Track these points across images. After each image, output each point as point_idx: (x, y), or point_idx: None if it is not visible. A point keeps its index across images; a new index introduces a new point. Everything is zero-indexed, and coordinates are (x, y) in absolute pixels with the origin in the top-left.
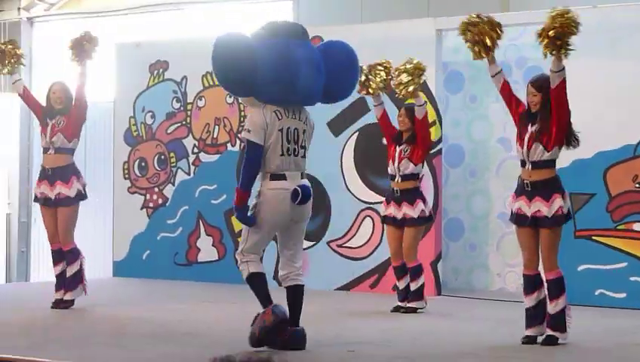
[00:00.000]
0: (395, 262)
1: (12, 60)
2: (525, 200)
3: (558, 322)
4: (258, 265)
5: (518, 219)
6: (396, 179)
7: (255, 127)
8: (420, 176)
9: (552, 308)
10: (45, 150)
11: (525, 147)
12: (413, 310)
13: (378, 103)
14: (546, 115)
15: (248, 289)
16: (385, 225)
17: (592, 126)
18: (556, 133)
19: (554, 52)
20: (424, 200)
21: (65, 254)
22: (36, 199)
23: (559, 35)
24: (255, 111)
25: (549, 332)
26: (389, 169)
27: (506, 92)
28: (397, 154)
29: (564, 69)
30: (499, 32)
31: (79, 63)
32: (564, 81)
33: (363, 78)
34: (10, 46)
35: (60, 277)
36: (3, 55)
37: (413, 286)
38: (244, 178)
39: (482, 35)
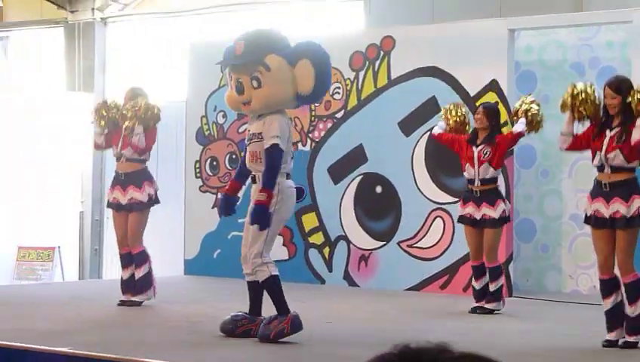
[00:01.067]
0: (474, 261)
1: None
2: (603, 202)
3: (637, 325)
4: (275, 267)
5: (595, 221)
6: (475, 183)
7: (283, 134)
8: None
9: (630, 311)
10: (117, 158)
11: (604, 153)
12: (490, 311)
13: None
14: (625, 118)
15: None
16: (463, 225)
17: None
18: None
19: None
20: (504, 200)
21: (133, 257)
22: (109, 205)
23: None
24: (280, 119)
25: (627, 337)
26: (465, 173)
27: (578, 142)
28: (475, 156)
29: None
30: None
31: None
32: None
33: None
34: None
35: (128, 281)
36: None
37: (492, 287)
38: (272, 180)
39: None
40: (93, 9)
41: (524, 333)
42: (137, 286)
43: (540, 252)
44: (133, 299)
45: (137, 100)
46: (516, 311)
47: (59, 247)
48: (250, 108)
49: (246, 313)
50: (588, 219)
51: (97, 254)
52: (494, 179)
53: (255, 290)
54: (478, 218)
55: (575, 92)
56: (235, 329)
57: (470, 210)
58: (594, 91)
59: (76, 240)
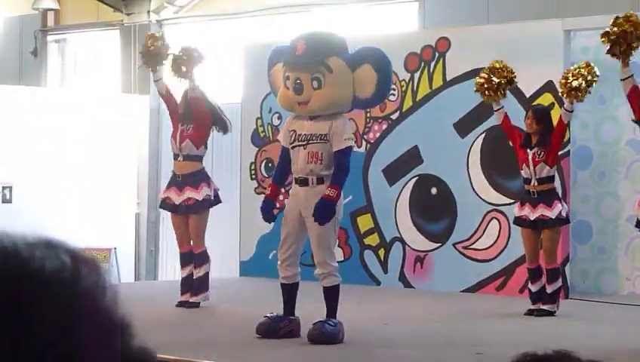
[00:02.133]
0: (530, 264)
1: (157, 58)
2: None
3: None
4: None
5: None
6: (532, 183)
7: (352, 135)
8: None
9: None
10: (175, 156)
11: None
12: (547, 312)
13: (498, 108)
14: None
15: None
16: (520, 227)
17: None
18: None
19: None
20: (561, 201)
21: (195, 256)
22: (162, 205)
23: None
24: (348, 122)
25: None
26: (522, 172)
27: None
28: (530, 158)
29: (632, 76)
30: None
31: (185, 77)
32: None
33: (482, 80)
34: (158, 42)
35: (187, 280)
36: (150, 54)
37: (549, 289)
38: (343, 181)
39: (623, 36)
40: (148, 11)
41: (581, 335)
42: (195, 286)
43: (596, 253)
44: (192, 300)
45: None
46: (573, 312)
47: (115, 249)
48: (308, 109)
49: (281, 314)
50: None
51: (153, 255)
52: (551, 178)
53: (293, 292)
54: (532, 219)
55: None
56: (278, 330)
57: (526, 211)
58: None
59: (132, 242)
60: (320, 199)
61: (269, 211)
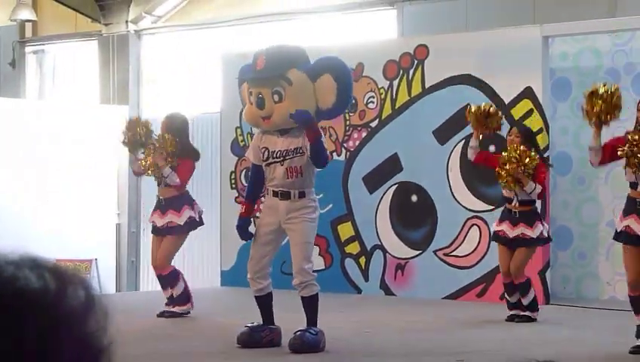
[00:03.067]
0: (505, 279)
1: (139, 145)
2: (637, 219)
3: None
4: None
5: (627, 238)
6: (514, 203)
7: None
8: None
9: None
10: (158, 182)
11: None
12: (528, 318)
13: (475, 145)
14: None
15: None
16: (496, 244)
17: None
18: None
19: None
20: (542, 222)
21: (166, 278)
22: (152, 230)
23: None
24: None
25: None
26: (504, 192)
27: (608, 155)
28: None
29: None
30: (615, 113)
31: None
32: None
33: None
34: (142, 130)
35: (171, 298)
36: (132, 142)
37: (525, 301)
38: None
39: (602, 113)
40: (127, 22)
41: (563, 341)
42: (177, 300)
43: (577, 259)
44: (173, 309)
45: (160, 136)
46: (554, 318)
47: (96, 259)
48: (271, 123)
49: (261, 324)
50: (620, 236)
51: (134, 266)
52: (533, 201)
53: (269, 302)
54: (511, 236)
55: (595, 97)
56: (259, 339)
57: (505, 227)
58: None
59: (113, 253)
60: (315, 144)
61: (246, 230)
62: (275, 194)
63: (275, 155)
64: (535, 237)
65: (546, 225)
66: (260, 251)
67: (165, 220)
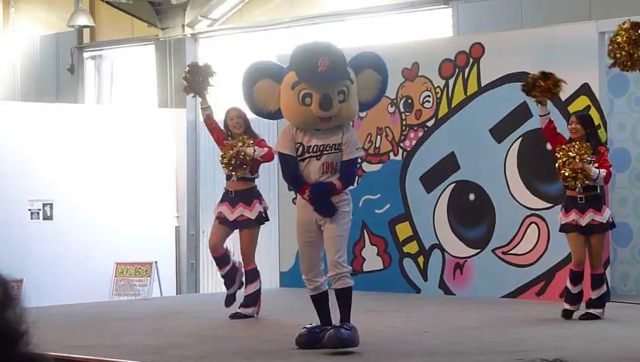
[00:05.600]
0: (576, 267)
1: (204, 85)
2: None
3: None
4: None
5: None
6: (577, 190)
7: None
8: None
9: None
10: (228, 177)
11: None
12: (595, 317)
13: (544, 114)
14: None
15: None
16: (568, 233)
17: None
18: None
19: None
20: (607, 206)
21: (245, 274)
22: (217, 218)
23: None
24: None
25: None
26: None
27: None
28: None
29: None
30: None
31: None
32: None
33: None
34: (204, 67)
35: (227, 276)
36: (195, 77)
37: (595, 295)
38: (349, 186)
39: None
40: (183, 25)
41: (623, 339)
42: (245, 301)
43: (637, 256)
44: (240, 311)
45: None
46: (615, 316)
47: (156, 262)
48: (332, 123)
49: (319, 324)
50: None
51: (194, 268)
52: (596, 185)
53: (325, 301)
54: (583, 224)
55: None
56: (318, 340)
57: (575, 216)
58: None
59: (173, 255)
60: (321, 182)
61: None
62: None
63: (311, 150)
64: (605, 221)
65: (609, 210)
66: (306, 251)
67: (236, 214)
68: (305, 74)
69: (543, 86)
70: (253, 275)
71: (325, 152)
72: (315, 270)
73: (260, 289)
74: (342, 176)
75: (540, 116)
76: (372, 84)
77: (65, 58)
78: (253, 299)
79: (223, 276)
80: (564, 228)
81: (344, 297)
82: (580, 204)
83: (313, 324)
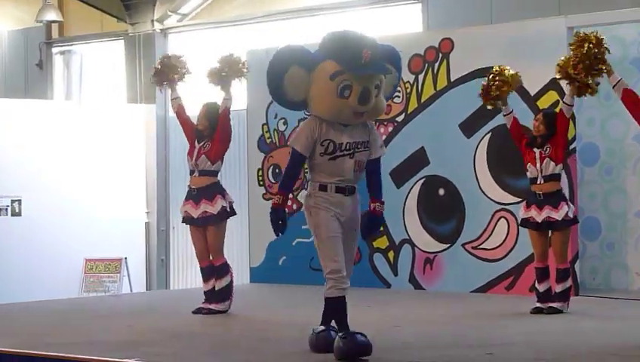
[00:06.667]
0: (538, 263)
1: (175, 76)
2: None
3: None
4: None
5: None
6: (538, 181)
7: None
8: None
9: None
10: (191, 172)
11: None
12: (557, 311)
13: (507, 113)
14: None
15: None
16: (527, 229)
17: None
18: None
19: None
20: (567, 203)
21: (215, 269)
22: (183, 220)
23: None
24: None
25: None
26: (528, 173)
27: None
28: (537, 156)
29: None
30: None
31: (222, 89)
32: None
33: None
34: (177, 60)
35: (210, 292)
36: (168, 69)
37: (559, 288)
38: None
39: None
40: (152, 21)
41: (592, 332)
42: (217, 295)
43: (605, 250)
44: (211, 307)
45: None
46: (583, 309)
47: (125, 259)
48: (364, 119)
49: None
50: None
51: (164, 265)
52: (557, 177)
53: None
54: (539, 221)
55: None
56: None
57: (533, 213)
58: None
59: (143, 251)
60: (372, 215)
61: (284, 222)
62: (341, 190)
63: (343, 148)
64: (560, 219)
65: (571, 206)
66: (340, 250)
67: (200, 210)
68: (351, 65)
69: (498, 83)
70: (224, 270)
71: (357, 150)
72: (345, 270)
73: (231, 284)
74: (376, 186)
75: (504, 116)
76: (391, 79)
77: (33, 53)
78: (226, 294)
79: (218, 290)
80: (523, 224)
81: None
82: (539, 200)
83: (322, 327)
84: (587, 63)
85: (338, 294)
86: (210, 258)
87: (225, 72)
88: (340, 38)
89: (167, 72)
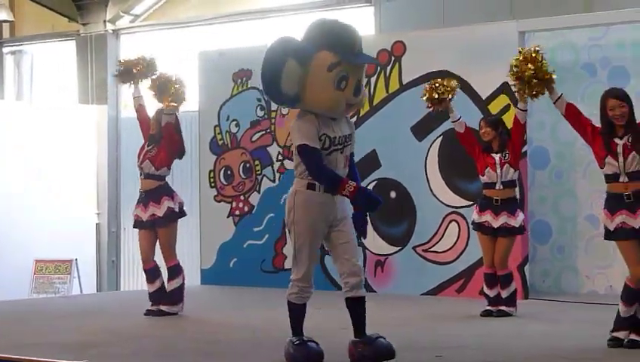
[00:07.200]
0: (487, 269)
1: (141, 77)
2: (628, 213)
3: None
4: None
5: (624, 233)
6: (497, 187)
7: None
8: None
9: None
10: (139, 174)
11: (621, 159)
12: (506, 314)
13: (455, 120)
14: (633, 126)
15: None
16: (479, 233)
17: None
18: None
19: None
20: (521, 211)
21: (168, 270)
22: (134, 224)
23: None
24: None
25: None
26: (485, 178)
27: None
28: (497, 161)
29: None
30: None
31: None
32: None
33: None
34: (147, 62)
35: (156, 293)
36: (133, 69)
37: (505, 294)
38: None
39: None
40: (104, 21)
41: (543, 335)
42: (170, 297)
43: (556, 253)
44: (164, 308)
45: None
46: (533, 312)
47: (76, 260)
48: (350, 112)
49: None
50: (616, 233)
51: (114, 266)
52: (514, 183)
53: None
54: (495, 226)
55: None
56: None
57: (488, 218)
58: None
59: (93, 253)
60: (358, 213)
61: (374, 195)
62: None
63: (336, 142)
64: (517, 226)
65: (522, 215)
66: (314, 254)
67: (148, 213)
68: (347, 54)
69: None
70: (176, 271)
71: (347, 144)
72: (312, 278)
73: (183, 285)
74: (356, 178)
75: (452, 123)
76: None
77: None
78: (178, 296)
79: (150, 294)
80: (476, 227)
81: (364, 306)
82: (496, 206)
83: (298, 337)
84: (527, 84)
85: (298, 302)
86: (155, 260)
87: (138, 69)
88: (332, 28)
89: (134, 71)
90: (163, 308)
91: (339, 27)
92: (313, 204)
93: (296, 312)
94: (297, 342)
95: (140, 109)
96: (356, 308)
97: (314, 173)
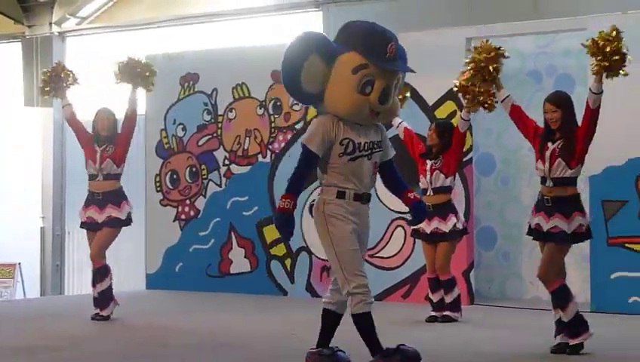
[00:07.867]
0: (430, 274)
1: (64, 85)
2: (544, 216)
3: (572, 328)
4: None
5: (536, 234)
6: (428, 193)
7: None
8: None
9: (564, 316)
10: (93, 176)
11: (547, 164)
12: (451, 319)
13: (397, 124)
14: (567, 132)
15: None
16: (417, 240)
17: (624, 133)
18: (580, 151)
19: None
20: (456, 214)
21: (96, 271)
22: (82, 225)
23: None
24: None
25: (566, 339)
26: (420, 184)
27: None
28: (428, 168)
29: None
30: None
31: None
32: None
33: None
34: (64, 70)
35: (104, 294)
36: (57, 78)
37: (448, 299)
38: None
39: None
40: (50, 23)
41: (483, 341)
42: (100, 301)
43: (501, 259)
44: (103, 313)
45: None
46: (478, 318)
47: (19, 264)
48: (378, 120)
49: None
50: (530, 232)
51: (59, 270)
52: (447, 189)
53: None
54: (428, 232)
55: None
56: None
57: (422, 224)
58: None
59: (37, 256)
60: (415, 203)
61: (293, 227)
62: (359, 197)
63: (362, 148)
64: (447, 231)
65: (461, 217)
66: (360, 258)
67: (105, 215)
68: (377, 58)
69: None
70: (104, 272)
71: (374, 150)
72: (367, 279)
73: (110, 286)
74: (401, 181)
75: (396, 127)
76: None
77: None
78: (108, 297)
79: (99, 293)
80: (413, 234)
81: (361, 322)
82: (429, 212)
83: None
84: (480, 76)
85: (367, 309)
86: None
87: (139, 70)
88: (366, 29)
89: (56, 82)
90: (102, 313)
91: (372, 29)
92: (345, 213)
93: (367, 322)
94: (385, 354)
95: (72, 117)
96: (363, 318)
97: (294, 173)
